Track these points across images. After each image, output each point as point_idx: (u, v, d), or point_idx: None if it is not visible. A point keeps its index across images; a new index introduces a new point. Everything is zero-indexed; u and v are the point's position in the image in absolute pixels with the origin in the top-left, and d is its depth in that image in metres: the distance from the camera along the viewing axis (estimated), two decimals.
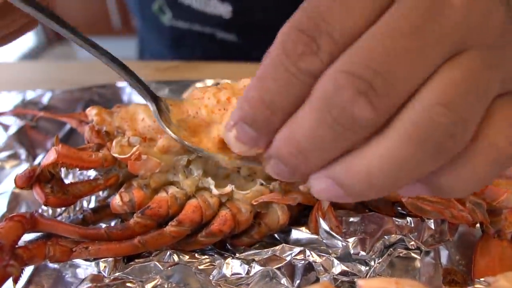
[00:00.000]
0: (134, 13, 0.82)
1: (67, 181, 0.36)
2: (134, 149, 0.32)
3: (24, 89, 0.55)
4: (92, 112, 0.37)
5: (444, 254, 0.36)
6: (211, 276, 0.33)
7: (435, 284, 0.35)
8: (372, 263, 0.33)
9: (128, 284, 0.31)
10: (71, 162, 0.33)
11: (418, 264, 0.36)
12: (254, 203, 0.31)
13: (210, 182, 0.33)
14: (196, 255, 0.34)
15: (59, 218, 0.39)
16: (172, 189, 0.33)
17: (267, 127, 0.22)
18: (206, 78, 0.52)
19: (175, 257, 0.34)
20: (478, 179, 0.22)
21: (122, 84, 0.54)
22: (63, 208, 0.40)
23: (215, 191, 0.32)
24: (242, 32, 0.69)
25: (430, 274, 0.35)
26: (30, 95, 0.55)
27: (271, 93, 0.21)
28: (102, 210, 0.37)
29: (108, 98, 0.53)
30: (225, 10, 0.65)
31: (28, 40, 1.99)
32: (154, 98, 0.30)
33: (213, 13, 0.66)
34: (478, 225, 0.37)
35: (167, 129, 0.29)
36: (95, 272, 0.33)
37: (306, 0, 0.21)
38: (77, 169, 0.36)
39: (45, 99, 0.54)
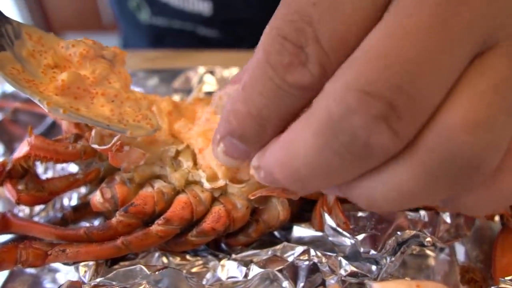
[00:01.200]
0: (114, 9, 0.78)
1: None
2: (115, 139, 0.28)
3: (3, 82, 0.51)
4: None
5: (460, 250, 0.33)
6: (204, 280, 0.29)
7: (451, 283, 0.31)
8: (383, 262, 0.29)
9: None
10: (45, 155, 0.29)
11: (432, 262, 0.32)
12: (251, 198, 0.28)
13: (201, 175, 0.29)
14: (187, 256, 0.30)
15: (37, 218, 0.35)
16: (158, 184, 0.29)
17: (259, 141, 0.19)
18: (198, 65, 0.48)
19: (164, 260, 0.30)
20: (508, 197, 0.18)
21: None
22: (42, 207, 0.36)
23: (206, 185, 0.28)
24: (224, 28, 0.65)
25: (446, 273, 0.32)
26: (10, 87, 0.50)
27: (259, 107, 0.18)
28: (83, 208, 0.33)
29: None
30: (204, 7, 0.61)
31: None
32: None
33: (193, 10, 0.62)
34: (496, 218, 0.34)
35: None
36: (76, 278, 0.29)
37: None
38: (58, 164, 0.33)
39: None
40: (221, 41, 0.65)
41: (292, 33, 0.16)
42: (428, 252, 0.32)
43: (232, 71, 0.47)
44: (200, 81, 0.47)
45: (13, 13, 1.91)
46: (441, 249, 0.32)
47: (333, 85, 0.16)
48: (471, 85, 0.15)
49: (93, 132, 0.29)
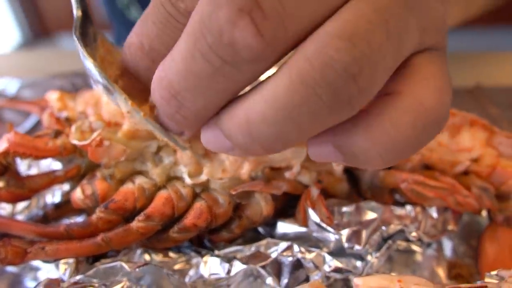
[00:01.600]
0: (104, 8, 0.78)
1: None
2: (95, 134, 0.28)
3: None
4: (52, 97, 0.33)
5: (447, 245, 0.32)
6: (187, 277, 0.29)
7: (439, 279, 0.31)
8: (369, 257, 0.29)
9: None
10: (24, 151, 0.29)
11: (419, 257, 0.32)
12: (233, 193, 0.27)
13: (183, 171, 0.28)
14: (170, 253, 0.30)
15: (20, 216, 0.35)
16: (139, 179, 0.29)
17: (150, 76, 0.18)
18: None
19: (147, 257, 0.30)
20: (402, 146, 0.17)
21: None
22: (25, 205, 0.35)
23: (188, 181, 0.28)
24: None
25: (433, 268, 0.31)
26: None
27: (151, 38, 0.18)
28: (65, 206, 0.32)
29: (80, 87, 0.49)
30: None
31: (13, 35, 1.94)
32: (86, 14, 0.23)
33: None
34: (484, 213, 0.33)
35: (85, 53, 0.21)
36: (57, 276, 0.29)
37: None
38: (39, 160, 0.32)
39: (12, 89, 0.49)
40: None
41: None
42: (415, 247, 0.31)
43: None
44: None
45: (7, 13, 1.90)
46: (428, 245, 0.32)
47: None
48: (353, 6, 0.16)
49: (73, 128, 0.29)
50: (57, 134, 0.30)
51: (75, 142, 0.28)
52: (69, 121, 0.31)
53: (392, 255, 0.31)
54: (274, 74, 0.16)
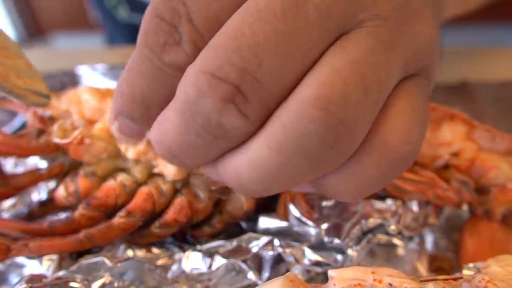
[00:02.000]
0: (94, 8, 0.78)
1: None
2: (76, 132, 0.28)
3: None
4: None
5: (429, 239, 0.33)
6: (170, 272, 0.29)
7: (420, 272, 0.31)
8: (349, 251, 0.29)
9: (72, 284, 0.27)
10: (7, 150, 0.29)
11: (401, 251, 0.32)
12: (213, 188, 0.28)
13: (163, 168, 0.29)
14: (153, 249, 0.30)
15: (6, 214, 0.35)
16: (121, 176, 0.29)
17: (147, 121, 0.19)
18: None
19: (130, 253, 0.30)
20: (369, 184, 0.18)
21: (83, 71, 0.49)
22: (11, 203, 0.36)
23: (169, 177, 0.28)
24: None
25: (415, 262, 0.32)
26: None
27: (141, 89, 0.18)
28: (50, 203, 0.32)
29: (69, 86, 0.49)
30: None
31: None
32: None
33: None
34: (465, 206, 0.34)
35: None
36: (40, 272, 0.29)
37: None
38: (23, 159, 0.33)
39: None
40: None
41: (167, 12, 0.16)
42: (397, 241, 0.31)
43: None
44: None
45: (1, 12, 1.90)
46: (410, 239, 0.32)
47: (191, 67, 0.16)
48: (329, 63, 0.15)
49: (55, 127, 0.29)
50: (40, 132, 0.30)
51: (57, 140, 0.28)
52: (52, 119, 0.31)
53: (374, 249, 0.32)
54: (256, 138, 0.17)
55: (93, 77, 0.49)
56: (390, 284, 0.21)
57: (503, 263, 0.24)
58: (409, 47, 0.17)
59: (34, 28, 1.97)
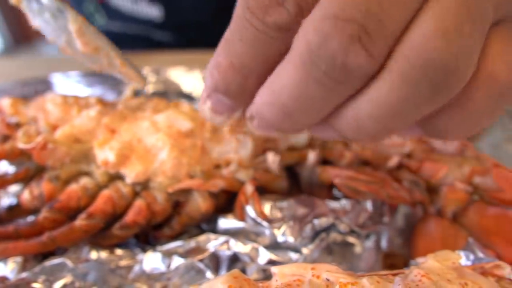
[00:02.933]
0: None
1: None
2: (39, 137, 0.29)
3: None
4: (5, 103, 0.35)
5: (385, 238, 0.34)
6: (132, 272, 0.31)
7: (376, 269, 0.33)
8: (304, 250, 0.31)
9: (34, 285, 0.29)
10: None
11: (358, 249, 0.33)
12: (170, 191, 0.29)
13: (124, 171, 0.30)
14: (116, 250, 0.32)
15: None
16: (84, 180, 0.30)
17: (243, 93, 0.20)
18: (147, 66, 0.50)
19: (94, 254, 0.31)
20: (478, 117, 0.20)
21: (57, 79, 0.51)
22: None
23: (128, 180, 0.30)
24: (176, 32, 0.66)
25: (371, 259, 0.33)
26: None
27: (241, 56, 0.19)
28: (18, 207, 0.34)
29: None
30: (154, 12, 0.62)
31: None
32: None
33: (145, 15, 0.63)
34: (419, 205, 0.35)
35: None
36: (3, 274, 0.30)
37: None
38: None
39: None
40: (175, 44, 0.66)
41: None
42: (353, 240, 0.33)
43: (178, 70, 0.48)
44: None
45: None
46: (367, 237, 0.34)
47: (310, 18, 0.17)
48: (436, 3, 0.17)
49: (20, 132, 0.31)
50: (6, 138, 0.32)
51: (21, 145, 0.30)
52: (19, 126, 0.33)
53: (331, 247, 0.33)
54: (377, 76, 0.18)
55: (66, 84, 0.50)
56: (328, 279, 0.23)
57: (441, 258, 0.26)
58: None
59: (21, 35, 1.98)
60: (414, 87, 0.18)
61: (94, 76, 0.50)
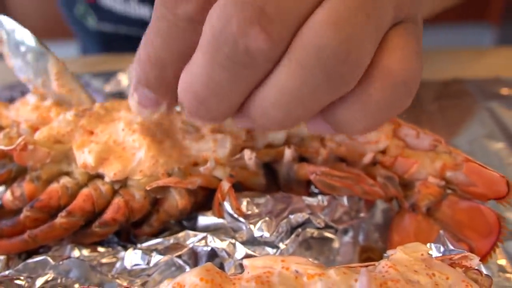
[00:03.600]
0: (65, 18, 0.80)
1: None
2: (20, 139, 0.30)
3: None
4: None
5: (362, 232, 0.35)
6: (114, 269, 0.32)
7: (353, 264, 0.34)
8: (281, 245, 0.32)
9: (17, 282, 0.30)
10: None
11: (336, 244, 0.34)
12: (148, 189, 0.30)
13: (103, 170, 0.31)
14: (98, 248, 0.33)
15: None
16: (64, 180, 0.31)
17: (163, 85, 0.21)
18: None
19: (76, 252, 0.32)
20: (376, 110, 0.21)
21: None
22: None
23: (107, 179, 0.31)
24: None
25: (349, 254, 0.34)
26: None
27: (157, 49, 0.20)
28: (2, 208, 0.35)
29: None
30: (145, 13, 0.63)
31: None
32: None
33: (136, 15, 0.64)
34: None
35: None
36: None
37: None
38: None
39: None
40: None
41: None
42: (331, 235, 0.34)
43: None
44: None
45: None
46: (345, 232, 0.35)
47: (216, 3, 0.18)
48: None
49: (0, 135, 0.32)
50: None
51: (1, 147, 0.31)
52: (1, 129, 0.34)
53: (309, 242, 0.34)
54: (278, 64, 0.19)
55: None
56: (297, 271, 0.24)
57: (410, 250, 0.27)
58: None
59: None
60: (310, 74, 0.19)
61: (80, 79, 0.51)
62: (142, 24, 0.65)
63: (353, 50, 0.19)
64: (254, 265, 0.24)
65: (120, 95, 0.48)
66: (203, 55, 0.19)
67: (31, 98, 0.35)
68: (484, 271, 0.28)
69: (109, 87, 0.49)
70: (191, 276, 0.24)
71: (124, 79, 0.50)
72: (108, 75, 0.50)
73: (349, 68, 0.19)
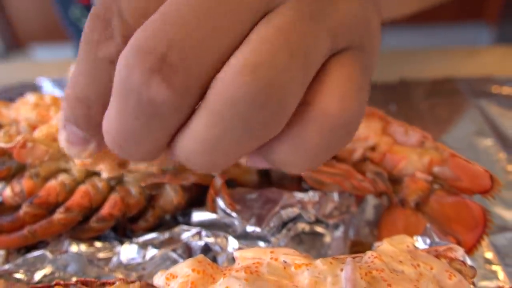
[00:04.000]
0: (61, 21, 0.81)
1: None
2: (19, 137, 0.31)
3: None
4: None
5: (353, 227, 0.36)
6: (110, 263, 0.33)
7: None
8: (273, 239, 0.33)
9: (16, 275, 0.31)
10: None
11: (327, 239, 0.36)
12: (143, 185, 0.31)
13: (100, 167, 0.32)
14: (96, 243, 0.34)
15: None
16: (62, 176, 0.33)
17: (90, 123, 0.20)
18: None
19: (74, 247, 0.33)
20: (314, 153, 0.20)
21: (43, 81, 0.53)
22: None
23: (104, 175, 0.32)
24: None
25: (340, 248, 0.35)
26: None
27: (83, 87, 0.20)
28: (1, 205, 0.36)
29: None
30: None
31: None
32: None
33: None
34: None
35: None
36: None
37: None
38: None
39: None
40: None
41: (101, 10, 0.18)
42: (322, 230, 0.35)
43: None
44: None
45: None
46: (336, 227, 0.36)
47: (123, 50, 0.18)
48: (256, 33, 0.17)
49: (1, 133, 0.33)
50: None
51: (1, 145, 0.32)
52: (1, 127, 0.35)
53: (301, 237, 0.35)
54: (195, 113, 0.18)
55: (50, 88, 0.52)
56: (285, 261, 0.25)
57: (396, 242, 0.28)
58: (333, 19, 0.19)
59: (12, 40, 2.01)
60: (228, 124, 0.17)
61: None
62: None
63: (274, 95, 0.17)
64: (244, 256, 0.26)
65: None
66: (115, 102, 0.18)
67: (30, 98, 0.36)
68: (471, 263, 0.29)
69: None
70: (183, 267, 0.25)
71: None
72: None
73: (271, 115, 0.18)
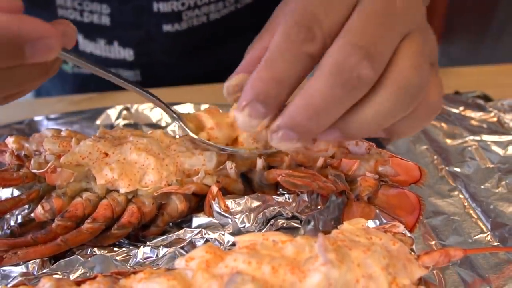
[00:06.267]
0: None
1: None
2: (50, 164, 0.40)
3: None
4: (10, 140, 0.46)
5: (322, 221, 0.47)
6: (128, 264, 0.42)
7: None
8: None
9: (55, 276, 0.39)
10: None
11: (302, 231, 0.46)
12: (155, 195, 0.41)
13: (119, 184, 0.42)
14: (114, 248, 0.43)
15: None
16: (86, 194, 0.42)
17: (276, 101, 0.29)
18: (117, 105, 0.61)
19: (96, 252, 0.42)
20: (388, 110, 0.30)
21: (38, 118, 0.61)
22: None
23: (122, 191, 0.41)
24: (144, 70, 0.76)
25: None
26: None
27: (281, 71, 0.29)
28: (28, 224, 0.44)
29: (26, 133, 0.60)
30: (127, 54, 0.72)
31: None
32: (178, 115, 0.41)
33: (117, 58, 0.73)
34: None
35: (195, 136, 0.41)
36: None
37: (295, 4, 0.30)
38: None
39: None
40: (142, 82, 0.76)
41: (302, 20, 0.29)
42: (297, 224, 0.45)
43: (145, 105, 0.60)
44: (119, 116, 0.60)
45: None
46: (308, 222, 0.46)
47: (336, 43, 0.29)
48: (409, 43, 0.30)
49: (32, 161, 0.42)
50: (19, 167, 0.43)
51: (35, 171, 0.41)
52: (26, 157, 0.44)
53: (281, 231, 0.45)
54: (374, 91, 0.30)
55: (46, 124, 0.61)
56: (273, 240, 0.35)
57: (353, 223, 0.39)
58: (408, 13, 0.31)
59: None
60: (400, 99, 0.29)
61: (71, 116, 0.61)
62: (121, 63, 0.74)
63: (424, 85, 0.30)
64: (242, 240, 0.36)
65: (112, 127, 0.59)
66: (325, 77, 0.28)
67: (48, 132, 0.45)
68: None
69: (99, 121, 0.60)
70: (198, 251, 0.35)
71: (112, 114, 0.60)
72: (96, 112, 0.61)
73: (421, 95, 0.30)
